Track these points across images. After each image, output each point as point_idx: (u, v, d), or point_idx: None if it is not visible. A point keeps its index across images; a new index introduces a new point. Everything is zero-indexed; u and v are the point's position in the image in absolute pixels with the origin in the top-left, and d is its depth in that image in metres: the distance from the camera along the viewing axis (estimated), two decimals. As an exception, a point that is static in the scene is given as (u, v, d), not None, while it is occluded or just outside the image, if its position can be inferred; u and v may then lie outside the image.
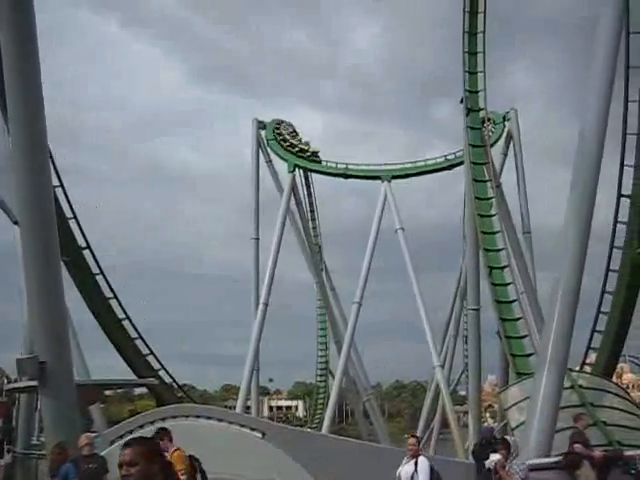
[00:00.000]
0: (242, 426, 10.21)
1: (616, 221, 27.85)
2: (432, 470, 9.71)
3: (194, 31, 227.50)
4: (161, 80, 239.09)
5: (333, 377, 51.63)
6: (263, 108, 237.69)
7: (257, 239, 47.56)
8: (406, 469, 9.69)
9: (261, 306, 43.19)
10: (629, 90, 25.44)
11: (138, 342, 39.80)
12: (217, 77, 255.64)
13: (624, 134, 26.17)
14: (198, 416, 10.57)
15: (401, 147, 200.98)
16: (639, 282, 26.45)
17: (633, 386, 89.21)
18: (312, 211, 59.36)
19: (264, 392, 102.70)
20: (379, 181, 48.45)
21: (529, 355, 25.73)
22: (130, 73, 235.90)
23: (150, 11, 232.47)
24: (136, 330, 39.76)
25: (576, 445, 11.54)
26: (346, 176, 49.76)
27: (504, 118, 45.53)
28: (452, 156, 46.95)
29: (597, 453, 11.61)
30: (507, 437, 8.47)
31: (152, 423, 10.52)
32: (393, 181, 48.33)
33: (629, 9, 21.22)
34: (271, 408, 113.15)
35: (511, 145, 44.93)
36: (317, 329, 66.24)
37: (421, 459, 9.63)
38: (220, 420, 10.28)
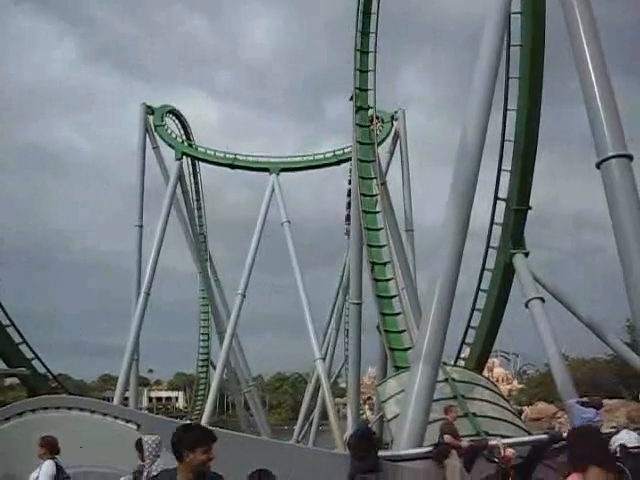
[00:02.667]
0: (116, 418, 9.93)
1: (492, 222, 29.01)
2: (59, 472, 9.03)
3: (88, 11, 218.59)
4: (50, 58, 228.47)
5: (214, 368, 51.31)
6: (155, 93, 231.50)
7: (141, 227, 46.43)
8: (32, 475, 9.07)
9: (142, 295, 42.31)
10: (508, 99, 26.55)
11: (10, 330, 38.17)
12: (109, 59, 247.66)
13: (502, 140, 27.30)
14: (70, 407, 10.17)
15: (297, 141, 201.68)
16: (511, 281, 27.66)
17: (502, 379, 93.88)
18: (198, 200, 58.86)
19: (144, 383, 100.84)
20: (267, 173, 48.54)
21: (407, 349, 26.37)
22: (17, 49, 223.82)
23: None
24: (8, 317, 38.12)
25: (445, 436, 12.02)
26: (233, 167, 49.54)
27: (392, 117, 46.53)
28: (340, 152, 47.66)
29: (464, 443, 12.13)
30: (144, 438, 7.40)
31: (20, 415, 10.07)
32: (282, 174, 48.57)
33: (510, 23, 22.17)
34: (151, 399, 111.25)
35: (398, 144, 45.97)
36: (199, 320, 65.87)
37: (46, 463, 8.92)
38: (93, 412, 9.94)
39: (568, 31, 14.92)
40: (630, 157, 14.08)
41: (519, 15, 23.94)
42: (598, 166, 14.34)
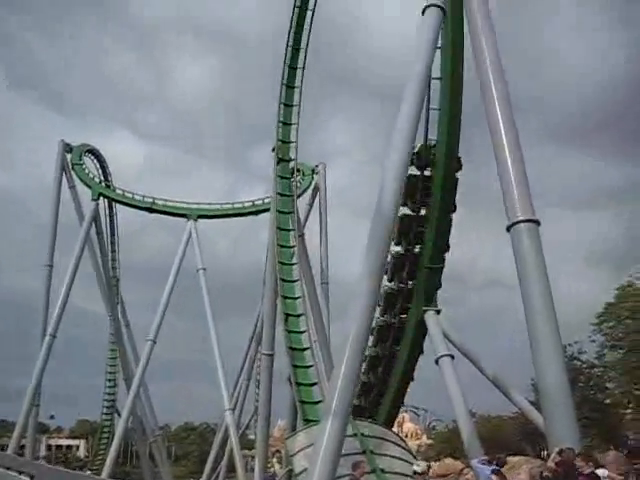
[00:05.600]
0: (8, 469, 9.48)
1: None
2: None
3: (8, 33, 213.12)
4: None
5: (120, 416, 49.74)
6: (78, 130, 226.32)
7: (50, 266, 45.18)
8: None
9: (48, 337, 40.92)
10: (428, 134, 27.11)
11: None
12: (32, 90, 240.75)
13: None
14: (-39, 457, 9.64)
15: (222, 187, 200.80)
16: (422, 340, 28.03)
17: (412, 434, 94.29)
18: (113, 242, 58.02)
19: (43, 430, 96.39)
20: (185, 219, 48.27)
21: (317, 402, 26.27)
22: None
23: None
24: None
25: (351, 492, 12.00)
26: (152, 210, 49.09)
27: (313, 171, 47.21)
28: (260, 202, 47.93)
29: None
30: None
31: None
32: (200, 220, 48.37)
33: (430, 87, 22.91)
34: (50, 447, 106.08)
35: (317, 197, 46.54)
36: (106, 365, 63.98)
37: None
38: (-17, 461, 9.46)
39: (483, 101, 15.62)
40: (537, 222, 14.69)
41: (438, 81, 24.85)
42: (508, 229, 14.90)
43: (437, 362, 25.20)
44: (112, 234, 57.85)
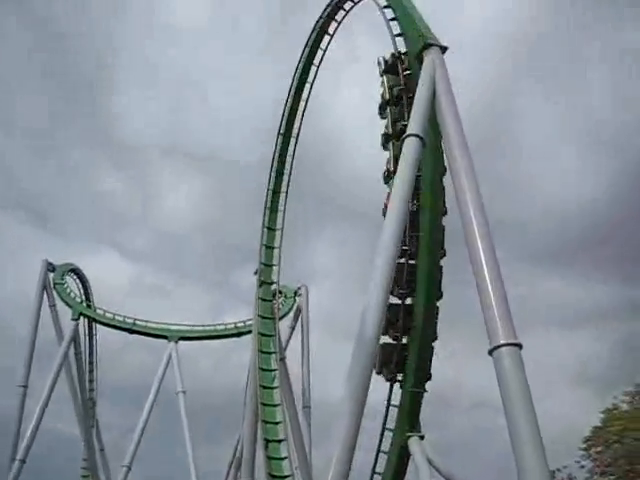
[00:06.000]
0: None
1: (389, 404, 29.01)
2: None
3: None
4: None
5: None
6: (63, 249, 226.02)
7: (25, 387, 43.90)
8: None
9: (17, 463, 39.36)
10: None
11: None
12: (14, 206, 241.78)
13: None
14: None
15: (206, 307, 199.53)
16: (405, 466, 27.30)
17: None
18: (91, 363, 57.05)
19: None
20: (166, 340, 47.94)
21: (298, 533, 25.36)
22: None
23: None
24: None
25: None
26: (132, 331, 48.85)
27: (295, 293, 47.44)
28: (242, 324, 47.92)
29: None
30: None
31: None
32: (181, 342, 48.03)
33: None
34: None
35: (299, 319, 46.52)
36: (77, 495, 61.10)
37: None
38: None
39: (463, 228, 16.09)
40: (520, 346, 14.79)
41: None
42: (490, 353, 14.97)
43: (421, 490, 24.49)
44: (91, 354, 56.87)
